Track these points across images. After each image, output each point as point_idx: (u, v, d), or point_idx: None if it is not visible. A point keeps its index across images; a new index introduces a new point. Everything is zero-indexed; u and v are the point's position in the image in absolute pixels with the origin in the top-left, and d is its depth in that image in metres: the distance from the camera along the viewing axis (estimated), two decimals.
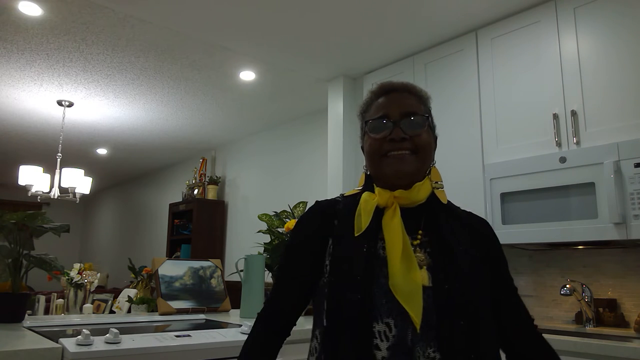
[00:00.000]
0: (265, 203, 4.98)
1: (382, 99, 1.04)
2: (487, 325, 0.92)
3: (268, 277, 2.52)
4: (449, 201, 1.04)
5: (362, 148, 1.07)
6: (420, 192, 0.99)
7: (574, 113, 2.22)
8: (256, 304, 2.17)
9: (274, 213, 2.94)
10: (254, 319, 1.06)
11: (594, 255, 2.41)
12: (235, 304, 2.35)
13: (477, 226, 1.05)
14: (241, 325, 1.70)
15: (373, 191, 1.01)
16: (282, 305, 1.04)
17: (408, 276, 0.89)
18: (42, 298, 3.28)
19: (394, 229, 0.94)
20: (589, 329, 2.24)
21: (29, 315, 2.31)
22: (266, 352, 1.01)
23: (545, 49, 2.38)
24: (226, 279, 2.52)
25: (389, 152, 0.98)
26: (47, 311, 3.37)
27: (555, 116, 2.28)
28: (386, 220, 0.96)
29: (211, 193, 5.71)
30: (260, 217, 2.94)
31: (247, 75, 3.76)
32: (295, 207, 2.94)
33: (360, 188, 1.06)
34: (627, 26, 2.12)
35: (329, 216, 1.03)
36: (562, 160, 2.15)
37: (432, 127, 1.04)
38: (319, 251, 1.00)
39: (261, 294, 2.20)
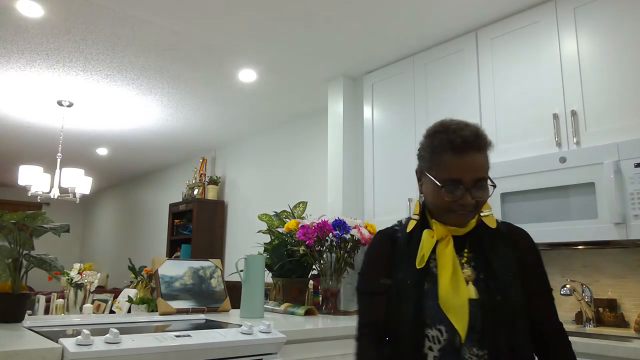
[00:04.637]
0: (265, 203, 4.98)
1: (457, 158, 1.11)
2: (523, 325, 1.10)
3: (268, 277, 2.52)
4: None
5: (419, 179, 1.22)
6: (470, 224, 1.16)
7: (574, 113, 2.22)
8: (256, 304, 2.17)
9: (274, 213, 2.94)
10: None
11: (594, 255, 2.41)
12: (235, 304, 2.35)
13: (514, 237, 1.20)
14: (241, 326, 1.70)
15: (427, 223, 1.18)
16: (376, 318, 1.18)
17: (456, 293, 1.07)
18: (42, 298, 3.29)
19: (446, 256, 1.12)
20: (589, 329, 2.24)
21: (29, 315, 2.31)
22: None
23: (545, 49, 2.38)
24: (226, 279, 2.52)
25: (455, 210, 1.13)
26: (47, 311, 3.38)
27: (555, 116, 2.28)
28: (440, 249, 1.14)
29: (211, 193, 5.71)
30: (260, 217, 2.94)
31: (248, 75, 3.76)
32: (295, 207, 2.94)
33: (417, 217, 1.21)
34: (627, 26, 2.12)
35: (392, 242, 1.22)
36: (562, 160, 2.15)
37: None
38: (389, 270, 1.18)
39: (261, 294, 2.20)
